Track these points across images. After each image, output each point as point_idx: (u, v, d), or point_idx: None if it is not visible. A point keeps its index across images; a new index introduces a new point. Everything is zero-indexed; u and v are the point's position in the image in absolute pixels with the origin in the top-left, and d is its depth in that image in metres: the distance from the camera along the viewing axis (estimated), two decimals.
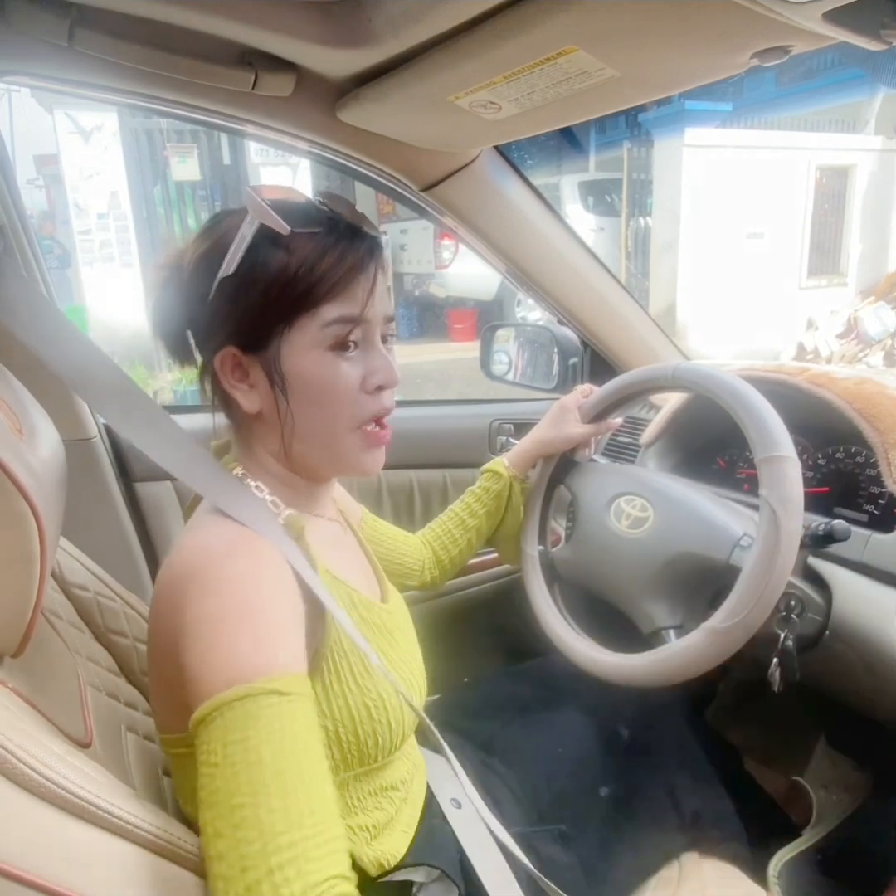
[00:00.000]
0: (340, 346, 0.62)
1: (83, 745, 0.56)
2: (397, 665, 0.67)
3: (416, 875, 0.66)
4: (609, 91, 0.74)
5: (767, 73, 9.15)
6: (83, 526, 0.77)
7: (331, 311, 0.61)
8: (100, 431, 1.15)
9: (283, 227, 0.59)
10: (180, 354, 0.68)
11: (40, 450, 0.57)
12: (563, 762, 0.87)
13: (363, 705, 0.61)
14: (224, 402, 0.67)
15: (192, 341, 0.67)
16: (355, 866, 0.62)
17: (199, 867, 0.49)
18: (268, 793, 0.45)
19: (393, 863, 0.65)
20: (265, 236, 0.60)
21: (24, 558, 0.49)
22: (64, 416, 1.05)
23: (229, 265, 0.60)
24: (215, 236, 0.63)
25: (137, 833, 0.46)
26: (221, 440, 0.72)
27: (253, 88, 0.83)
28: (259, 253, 0.60)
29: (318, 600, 0.58)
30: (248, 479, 0.65)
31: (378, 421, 0.66)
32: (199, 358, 0.68)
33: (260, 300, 0.60)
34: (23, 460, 0.50)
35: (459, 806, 0.76)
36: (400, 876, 0.66)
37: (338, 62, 0.81)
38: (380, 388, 0.65)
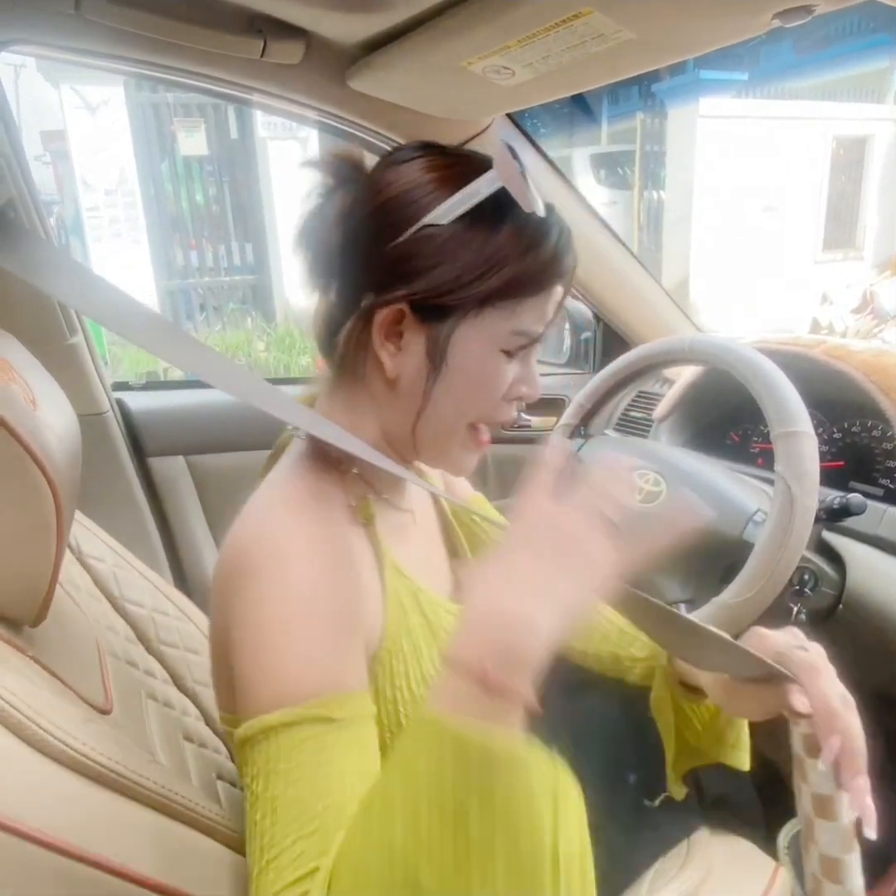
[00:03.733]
0: (511, 352, 0.57)
1: (103, 712, 0.57)
2: None
3: None
4: (625, 55, 0.72)
5: (785, 41, 8.91)
6: (97, 500, 0.78)
7: (527, 316, 0.56)
8: (112, 406, 1.15)
9: (528, 205, 0.52)
10: (318, 277, 0.59)
11: (55, 423, 0.58)
12: (593, 749, 0.85)
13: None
14: (355, 355, 0.58)
15: (341, 271, 0.58)
16: None
17: (217, 833, 0.50)
18: (300, 829, 0.42)
19: None
20: (496, 201, 0.53)
21: (41, 529, 0.50)
22: (77, 391, 1.06)
23: (443, 215, 0.52)
24: (426, 172, 0.54)
25: (157, 799, 0.47)
26: (306, 395, 0.65)
27: (262, 56, 0.81)
28: (482, 216, 0.53)
29: (377, 594, 0.55)
30: None
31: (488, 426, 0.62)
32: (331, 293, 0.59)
33: (463, 269, 0.53)
34: (38, 432, 0.51)
35: None
36: None
37: (348, 28, 0.80)
38: (519, 399, 0.61)
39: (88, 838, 0.42)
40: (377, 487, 0.62)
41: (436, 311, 0.54)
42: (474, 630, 0.40)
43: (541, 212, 0.54)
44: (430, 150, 0.57)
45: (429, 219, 0.53)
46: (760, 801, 0.88)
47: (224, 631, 0.51)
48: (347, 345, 0.58)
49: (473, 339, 0.55)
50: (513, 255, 0.53)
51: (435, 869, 0.36)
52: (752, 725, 0.71)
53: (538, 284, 0.55)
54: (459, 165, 0.55)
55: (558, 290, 0.58)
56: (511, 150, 0.52)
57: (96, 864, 0.42)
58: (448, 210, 0.53)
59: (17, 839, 0.39)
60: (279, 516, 0.54)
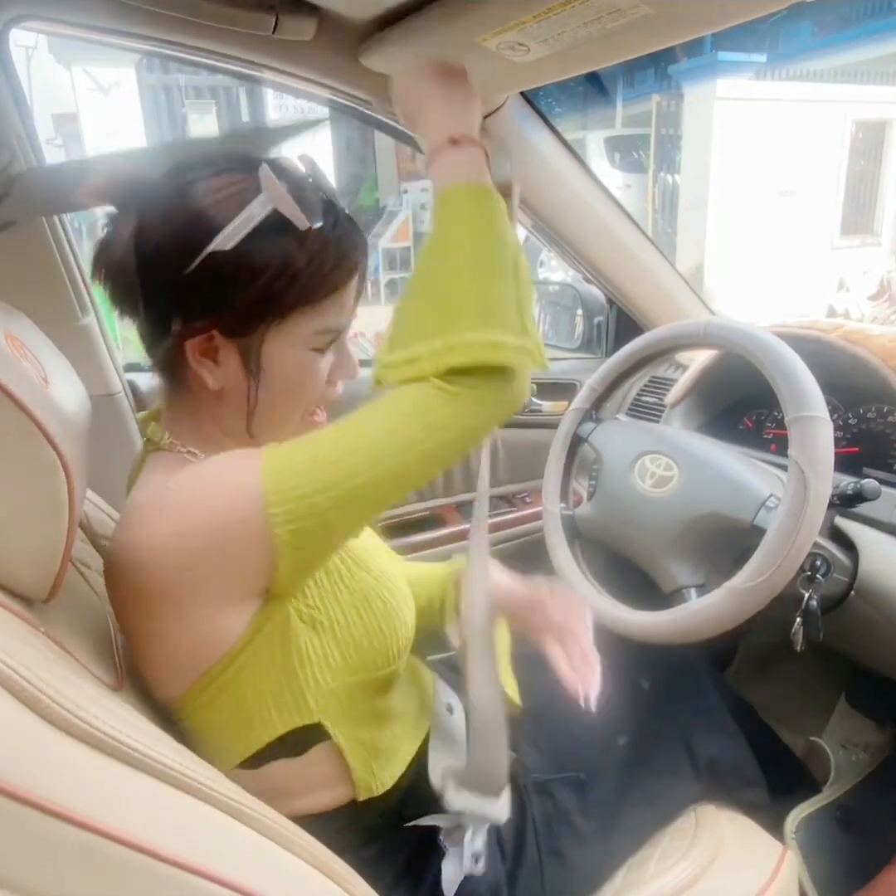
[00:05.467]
0: (321, 348, 0.63)
1: (114, 689, 0.57)
2: (377, 578, 0.69)
3: (439, 820, 0.68)
4: (643, 30, 0.70)
5: (804, 22, 8.75)
6: (109, 480, 0.78)
7: (327, 315, 0.60)
8: (124, 387, 1.15)
9: (302, 221, 0.56)
10: (124, 305, 0.61)
11: (67, 401, 0.58)
12: (582, 711, 0.88)
13: (351, 608, 0.64)
14: (178, 371, 0.62)
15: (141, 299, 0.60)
16: (347, 783, 0.65)
17: (226, 806, 0.51)
18: None
19: (378, 791, 0.67)
20: (273, 216, 0.56)
21: (53, 506, 0.50)
22: (89, 372, 1.06)
23: (226, 241, 0.55)
24: (208, 195, 0.56)
25: (168, 772, 0.47)
26: (151, 410, 0.69)
27: (274, 32, 0.80)
28: (265, 238, 0.56)
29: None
30: (179, 447, 0.63)
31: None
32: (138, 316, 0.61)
33: (259, 289, 0.57)
34: (50, 410, 0.51)
35: (452, 711, 0.79)
36: (425, 821, 0.68)
37: (361, 3, 0.79)
38: (340, 380, 0.67)
39: (99, 809, 0.43)
40: None
41: (240, 326, 0.58)
42: (438, 124, 0.62)
43: (315, 223, 0.57)
44: (203, 169, 0.59)
45: (212, 248, 0.55)
46: (759, 767, 0.88)
47: (166, 610, 0.55)
48: (167, 364, 0.62)
49: (282, 345, 0.60)
50: (300, 266, 0.57)
51: (474, 276, 0.54)
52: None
53: (330, 286, 0.59)
54: (231, 186, 0.57)
55: (354, 280, 0.62)
56: (277, 167, 0.57)
57: (114, 837, 0.42)
58: (228, 237, 0.55)
59: (33, 811, 0.40)
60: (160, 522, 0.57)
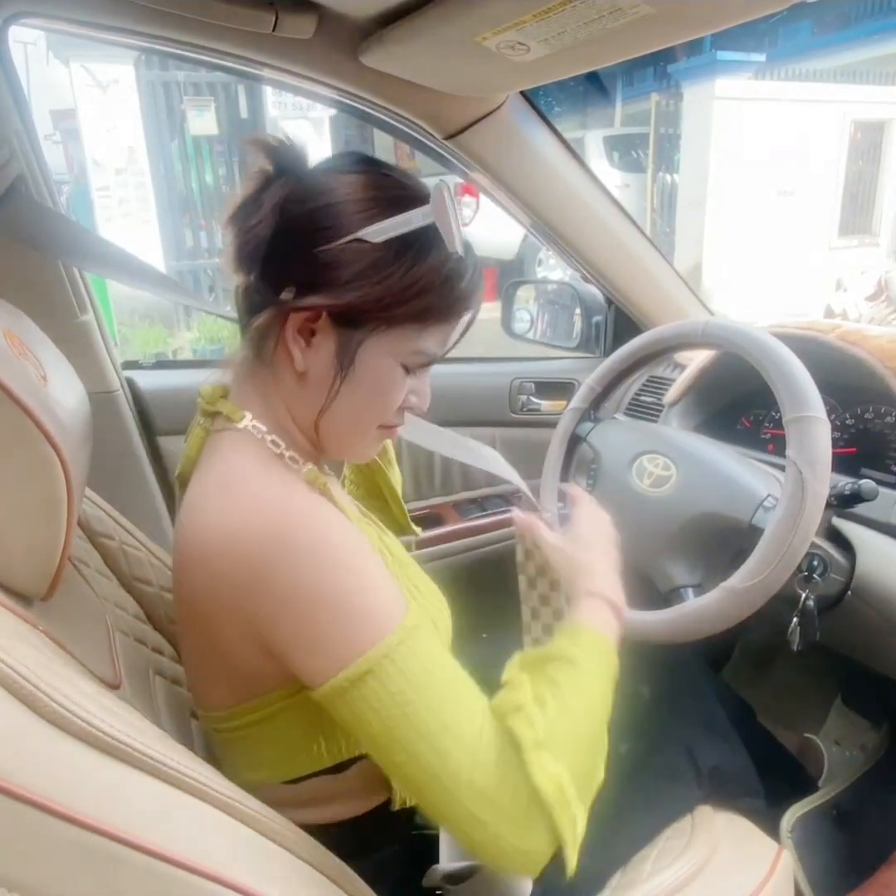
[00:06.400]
0: (411, 369, 0.62)
1: (112, 687, 0.57)
2: (425, 593, 0.71)
3: None
4: (643, 30, 0.70)
5: (804, 22, 8.75)
6: (107, 478, 0.78)
7: (431, 340, 0.61)
8: (123, 384, 1.15)
9: (454, 246, 0.57)
10: (247, 260, 0.60)
11: (65, 399, 0.58)
12: None
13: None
14: (268, 342, 0.61)
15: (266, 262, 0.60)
16: (382, 790, 0.66)
17: (225, 805, 0.51)
18: (441, 710, 0.51)
19: (413, 801, 0.67)
20: (424, 232, 0.57)
21: (51, 504, 0.50)
22: (87, 369, 1.06)
23: (376, 234, 0.56)
24: (369, 190, 0.58)
25: (167, 772, 0.47)
26: (215, 385, 0.67)
27: (273, 30, 0.80)
28: (410, 244, 0.57)
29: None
30: (262, 430, 0.61)
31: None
32: (251, 277, 0.61)
33: (384, 292, 0.57)
34: (48, 407, 0.51)
35: None
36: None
37: (361, 1, 0.79)
38: (408, 408, 0.66)
39: (98, 809, 0.43)
40: (315, 462, 0.66)
41: (350, 320, 0.58)
42: (597, 582, 0.68)
43: (462, 252, 0.59)
44: (375, 166, 0.61)
45: (361, 234, 0.56)
46: (755, 769, 0.89)
47: (239, 605, 0.53)
48: (260, 331, 0.61)
49: (380, 351, 0.60)
50: (430, 286, 0.58)
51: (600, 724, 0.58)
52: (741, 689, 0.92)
53: (447, 315, 0.61)
54: (399, 190, 0.59)
55: (465, 320, 0.63)
56: (448, 191, 0.57)
57: (113, 836, 0.42)
58: (380, 231, 0.56)
59: (33, 810, 0.40)
60: (269, 498, 0.56)
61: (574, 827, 0.51)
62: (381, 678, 0.51)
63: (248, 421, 0.61)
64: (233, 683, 0.59)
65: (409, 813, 0.68)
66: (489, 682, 0.91)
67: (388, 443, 0.93)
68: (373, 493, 0.90)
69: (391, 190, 0.59)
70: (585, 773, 0.54)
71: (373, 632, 0.52)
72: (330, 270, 0.57)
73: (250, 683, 0.58)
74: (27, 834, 0.40)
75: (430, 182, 0.60)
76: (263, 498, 0.56)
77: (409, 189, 0.59)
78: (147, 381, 1.21)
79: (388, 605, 0.54)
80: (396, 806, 0.66)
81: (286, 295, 0.58)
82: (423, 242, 0.57)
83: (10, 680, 0.41)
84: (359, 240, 0.56)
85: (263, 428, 0.61)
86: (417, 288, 0.57)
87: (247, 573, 0.52)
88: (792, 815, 1.00)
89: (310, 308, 0.57)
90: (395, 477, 0.91)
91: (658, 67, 7.88)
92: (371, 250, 0.56)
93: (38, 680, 0.42)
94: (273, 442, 0.61)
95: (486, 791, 0.50)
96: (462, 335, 0.65)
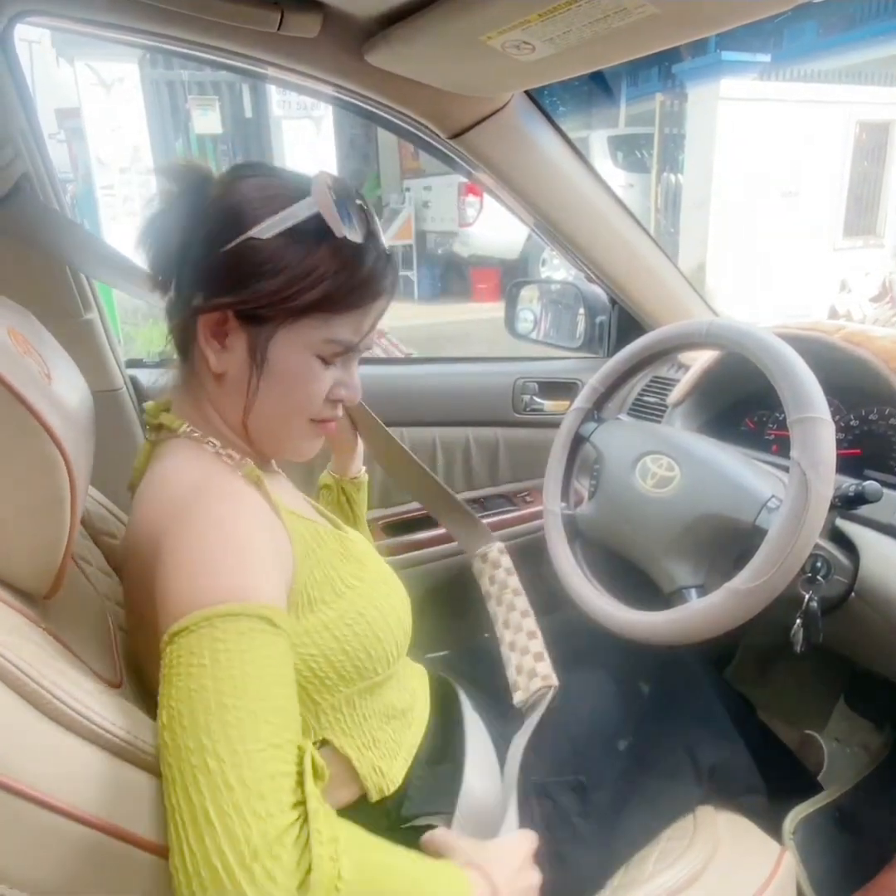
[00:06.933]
0: (327, 359, 0.64)
1: (114, 686, 0.57)
2: (372, 585, 0.69)
3: (435, 820, 0.68)
4: (648, 30, 0.70)
5: (809, 22, 8.73)
6: (110, 476, 0.78)
7: (340, 328, 0.62)
8: (126, 383, 1.15)
9: (339, 230, 0.59)
10: (160, 275, 0.65)
11: (69, 397, 0.58)
12: (583, 715, 0.88)
13: (343, 625, 0.63)
14: (187, 347, 0.65)
15: (175, 272, 0.64)
16: (355, 784, 0.66)
17: None
18: (255, 704, 0.46)
19: (390, 790, 0.67)
20: (314, 223, 0.59)
21: (54, 501, 0.50)
22: (91, 367, 1.06)
23: (265, 230, 0.59)
24: (258, 191, 0.61)
25: None
26: (159, 400, 0.70)
27: (279, 29, 0.80)
28: (301, 236, 0.59)
29: (285, 540, 0.61)
30: (198, 435, 0.64)
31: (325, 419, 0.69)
32: (170, 291, 0.65)
33: (282, 283, 0.59)
34: (52, 405, 0.51)
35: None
36: (421, 822, 0.68)
37: (366, 1, 0.78)
38: (339, 401, 0.68)
39: (104, 807, 0.43)
40: (255, 460, 0.67)
41: (256, 317, 0.61)
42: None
43: (357, 237, 0.60)
44: (265, 170, 0.64)
45: (253, 232, 0.59)
46: (757, 768, 0.89)
47: (149, 578, 0.54)
48: (176, 338, 0.66)
49: (290, 344, 0.62)
50: (327, 273, 0.59)
51: None
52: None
53: (351, 302, 0.62)
54: (289, 187, 0.61)
55: (376, 306, 0.64)
56: (331, 177, 0.60)
57: (112, 833, 0.43)
58: (269, 227, 0.59)
59: (35, 807, 0.40)
60: (197, 476, 0.60)
61: None
62: (198, 638, 0.47)
63: (185, 428, 0.65)
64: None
65: (396, 804, 0.68)
66: (485, 682, 0.91)
67: (363, 468, 0.98)
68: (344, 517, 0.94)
69: (278, 188, 0.61)
70: None
71: (224, 593, 0.49)
72: (229, 271, 0.60)
73: None
74: (27, 829, 0.40)
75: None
76: (187, 478, 0.60)
77: (296, 185, 0.61)
78: (151, 379, 1.21)
79: (250, 581, 0.51)
80: (374, 797, 0.66)
81: (196, 301, 0.61)
82: (313, 232, 0.59)
83: (12, 677, 0.41)
84: (252, 238, 0.59)
85: (199, 432, 0.64)
86: (313, 277, 0.59)
87: (154, 537, 0.55)
88: (794, 817, 1.00)
89: (214, 309, 0.60)
90: (362, 505, 0.99)
91: (663, 67, 7.88)
92: (264, 246, 0.59)
93: (40, 677, 0.43)
94: (210, 443, 0.64)
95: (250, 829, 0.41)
96: (375, 323, 0.65)
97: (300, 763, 0.46)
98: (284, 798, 0.44)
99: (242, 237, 0.59)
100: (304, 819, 0.44)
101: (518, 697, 0.87)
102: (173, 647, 0.48)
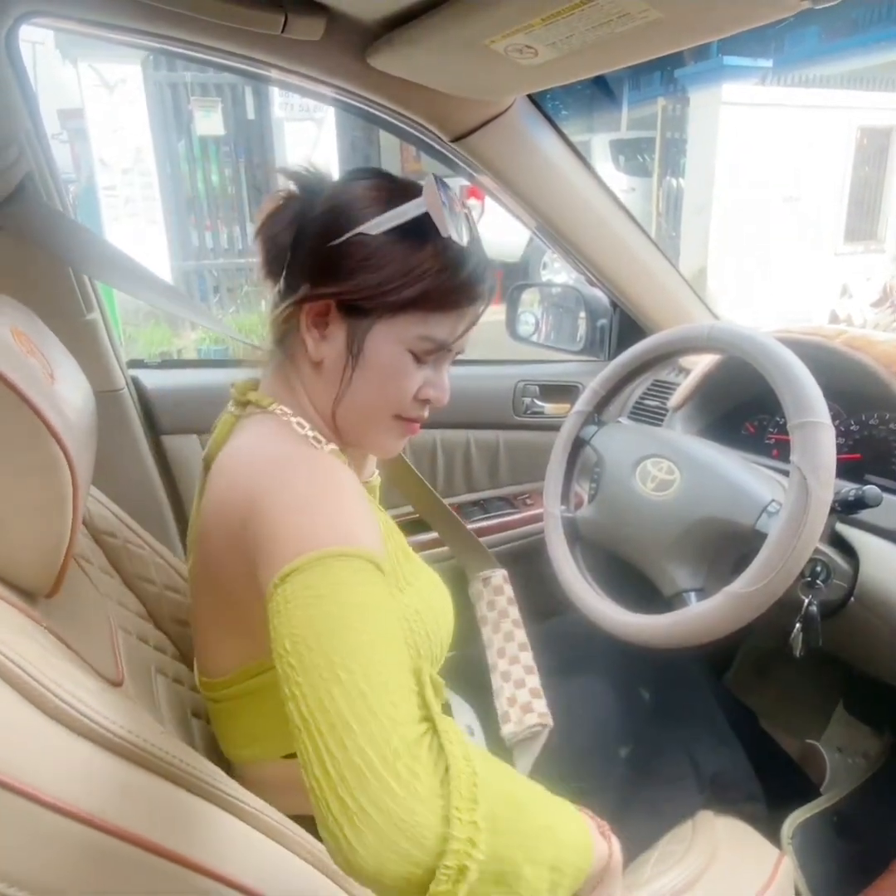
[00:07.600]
0: (420, 357, 0.65)
1: (115, 684, 0.57)
2: (427, 587, 0.72)
3: None
4: (651, 35, 0.70)
5: (811, 27, 8.75)
6: (111, 476, 0.78)
7: (436, 327, 0.64)
8: (128, 384, 1.15)
9: (445, 229, 0.61)
10: (273, 266, 0.68)
11: (72, 396, 0.58)
12: (584, 721, 0.88)
13: (402, 618, 0.65)
14: (288, 334, 0.68)
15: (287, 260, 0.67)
16: None
17: (226, 803, 0.51)
18: (375, 628, 0.47)
19: None
20: (422, 224, 0.61)
21: (57, 501, 0.50)
22: (93, 368, 1.06)
23: (374, 227, 0.61)
24: (370, 191, 0.64)
25: (168, 768, 0.47)
26: (246, 380, 0.72)
27: (282, 31, 0.80)
28: (408, 235, 0.61)
29: (374, 518, 0.60)
30: (288, 413, 0.65)
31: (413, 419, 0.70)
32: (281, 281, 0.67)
33: (384, 277, 0.61)
34: (55, 405, 0.51)
35: (472, 733, 0.82)
36: None
37: (370, 4, 0.79)
38: (427, 401, 0.69)
39: (103, 806, 0.43)
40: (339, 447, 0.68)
41: (357, 309, 0.63)
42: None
43: (460, 240, 0.63)
44: (379, 174, 0.67)
45: (362, 228, 0.62)
46: (757, 774, 0.89)
47: (234, 543, 0.55)
48: (279, 325, 0.67)
49: (387, 337, 0.64)
50: (429, 271, 0.62)
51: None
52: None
53: (449, 302, 0.64)
54: (400, 189, 0.65)
55: (472, 310, 0.66)
56: (439, 181, 0.62)
57: (115, 833, 0.43)
58: (378, 224, 0.62)
59: (36, 806, 0.40)
60: (289, 447, 0.62)
61: (468, 846, 0.41)
62: (313, 574, 0.48)
63: (275, 406, 0.66)
64: (239, 641, 0.62)
65: None
66: (486, 686, 0.91)
67: (376, 472, 0.93)
68: None
69: (390, 190, 0.64)
70: (502, 855, 0.44)
71: (336, 536, 0.50)
72: (336, 264, 0.62)
73: (255, 641, 0.59)
74: (27, 829, 0.40)
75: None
76: (278, 446, 0.62)
77: (407, 187, 0.65)
78: (152, 380, 1.21)
79: (357, 531, 0.52)
80: None
81: (302, 291, 0.64)
82: (419, 232, 0.62)
83: (13, 675, 0.41)
84: (361, 234, 0.61)
85: (289, 411, 0.65)
86: (416, 274, 0.61)
87: (249, 497, 0.55)
88: (793, 822, 1.00)
89: (319, 298, 0.63)
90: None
91: (665, 72, 7.89)
92: (371, 241, 0.61)
93: (41, 676, 0.43)
94: (299, 423, 0.65)
95: (397, 753, 0.42)
96: (470, 326, 0.67)
97: (420, 683, 0.47)
98: (414, 710, 0.45)
99: (352, 232, 0.62)
100: (434, 729, 0.45)
101: (508, 729, 0.86)
102: (287, 585, 0.48)
